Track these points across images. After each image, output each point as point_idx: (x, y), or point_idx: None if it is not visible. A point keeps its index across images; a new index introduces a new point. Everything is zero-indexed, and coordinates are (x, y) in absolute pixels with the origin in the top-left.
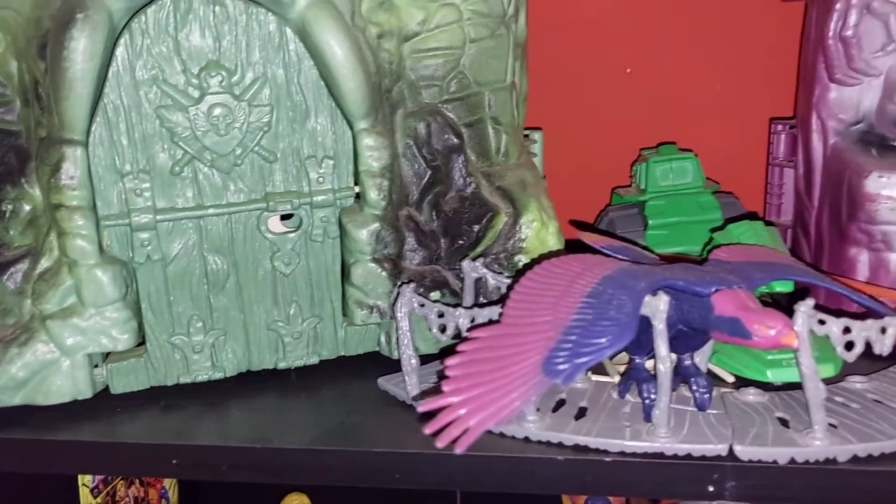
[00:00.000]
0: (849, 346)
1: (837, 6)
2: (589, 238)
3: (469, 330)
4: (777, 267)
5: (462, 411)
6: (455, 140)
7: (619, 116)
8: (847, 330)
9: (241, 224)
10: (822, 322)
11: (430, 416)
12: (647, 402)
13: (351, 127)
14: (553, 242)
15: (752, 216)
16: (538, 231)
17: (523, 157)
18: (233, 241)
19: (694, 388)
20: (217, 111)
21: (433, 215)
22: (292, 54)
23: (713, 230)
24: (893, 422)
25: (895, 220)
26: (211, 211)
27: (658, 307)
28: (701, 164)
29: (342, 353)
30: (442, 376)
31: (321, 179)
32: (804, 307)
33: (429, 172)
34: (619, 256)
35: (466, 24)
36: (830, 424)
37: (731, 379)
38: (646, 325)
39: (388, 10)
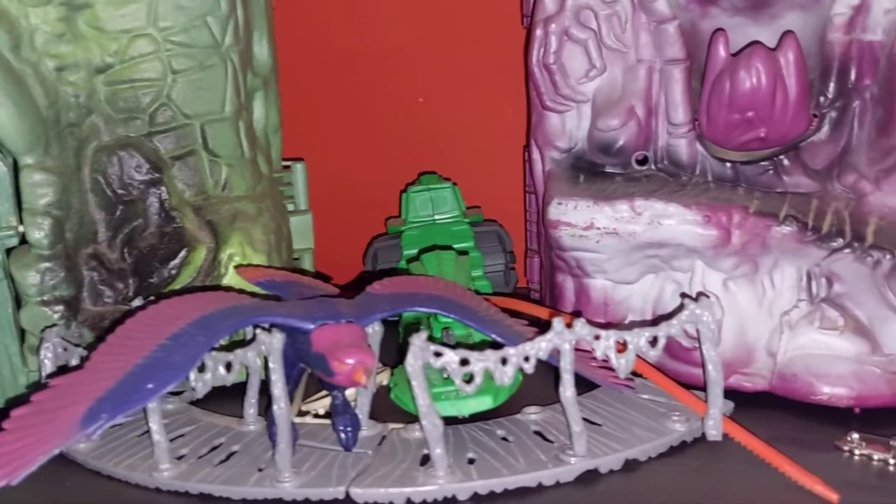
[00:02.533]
0: (468, 378)
1: (537, 33)
2: (246, 274)
3: None
4: (411, 298)
5: None
6: (155, 174)
7: (399, 145)
8: (465, 362)
9: None
10: (438, 354)
11: None
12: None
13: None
14: None
15: (503, 244)
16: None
17: (261, 189)
18: None
19: (340, 426)
20: None
21: (125, 253)
22: None
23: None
24: (533, 457)
25: (579, 247)
26: None
27: (272, 345)
28: (460, 192)
29: None
30: None
31: None
32: (417, 340)
33: (120, 208)
34: (276, 292)
35: (166, 56)
36: (470, 459)
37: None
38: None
39: (71, 42)
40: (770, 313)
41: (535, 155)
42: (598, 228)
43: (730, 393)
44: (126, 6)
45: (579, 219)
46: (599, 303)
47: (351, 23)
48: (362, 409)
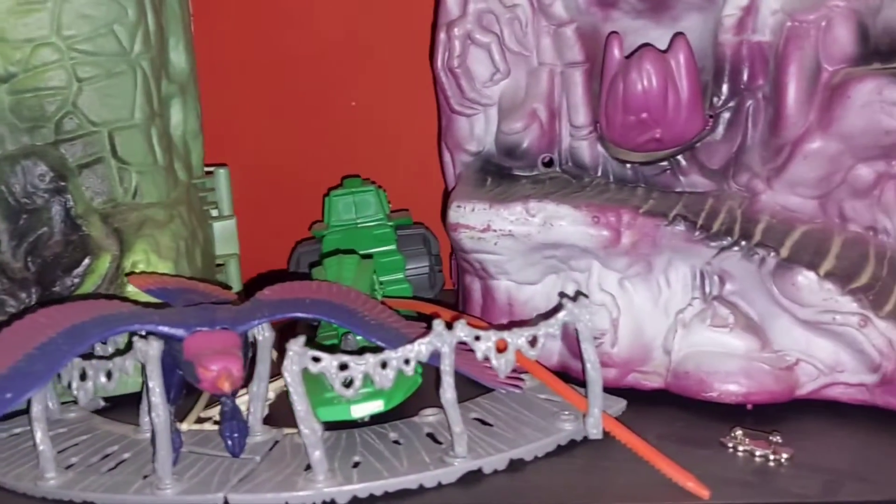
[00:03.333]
0: (348, 383)
1: (441, 37)
2: (136, 281)
3: None
4: (293, 304)
5: None
6: (60, 182)
7: (328, 149)
8: (344, 367)
9: None
10: (316, 360)
11: None
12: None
13: None
14: None
15: (428, 247)
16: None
17: (176, 195)
18: None
19: (227, 433)
20: None
21: (28, 262)
22: None
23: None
24: (418, 459)
25: (479, 249)
26: None
27: (147, 352)
28: (385, 196)
29: None
30: None
31: None
32: (295, 346)
33: (24, 217)
34: (166, 299)
35: (71, 64)
36: (355, 463)
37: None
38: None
39: None
40: (666, 312)
41: (447, 158)
42: (495, 231)
43: (628, 391)
44: (29, 15)
45: (477, 221)
46: (504, 304)
47: (274, 27)
48: (255, 415)
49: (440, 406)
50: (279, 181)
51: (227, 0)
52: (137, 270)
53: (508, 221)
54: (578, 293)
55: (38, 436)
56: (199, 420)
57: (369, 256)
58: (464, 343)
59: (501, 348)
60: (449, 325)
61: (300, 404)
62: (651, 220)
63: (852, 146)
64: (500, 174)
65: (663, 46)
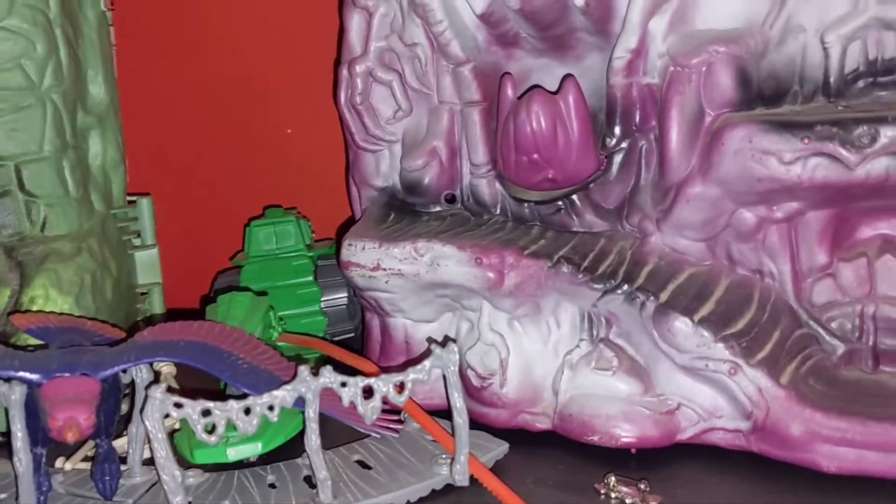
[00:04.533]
0: (210, 429)
1: (343, 74)
2: (19, 321)
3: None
4: (161, 347)
5: None
6: None
7: (256, 178)
8: (207, 413)
9: None
10: (178, 405)
11: None
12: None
13: None
14: None
15: None
16: (42, 308)
17: (88, 226)
18: None
19: (98, 475)
20: None
21: None
22: None
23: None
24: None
25: (371, 287)
26: None
27: (9, 397)
28: (308, 226)
29: None
30: None
31: None
32: (157, 392)
33: None
34: (47, 340)
35: None
36: None
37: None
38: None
39: None
40: (556, 352)
41: (354, 192)
42: (385, 269)
43: (517, 432)
44: None
45: (367, 260)
46: (401, 341)
47: (198, 56)
48: (134, 456)
49: (329, 446)
50: (204, 210)
51: (151, 30)
52: (36, 305)
53: (398, 260)
54: (447, 338)
55: None
56: (87, 458)
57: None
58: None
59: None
60: (316, 371)
61: (159, 451)
62: (535, 261)
63: (730, 191)
64: (404, 210)
65: None
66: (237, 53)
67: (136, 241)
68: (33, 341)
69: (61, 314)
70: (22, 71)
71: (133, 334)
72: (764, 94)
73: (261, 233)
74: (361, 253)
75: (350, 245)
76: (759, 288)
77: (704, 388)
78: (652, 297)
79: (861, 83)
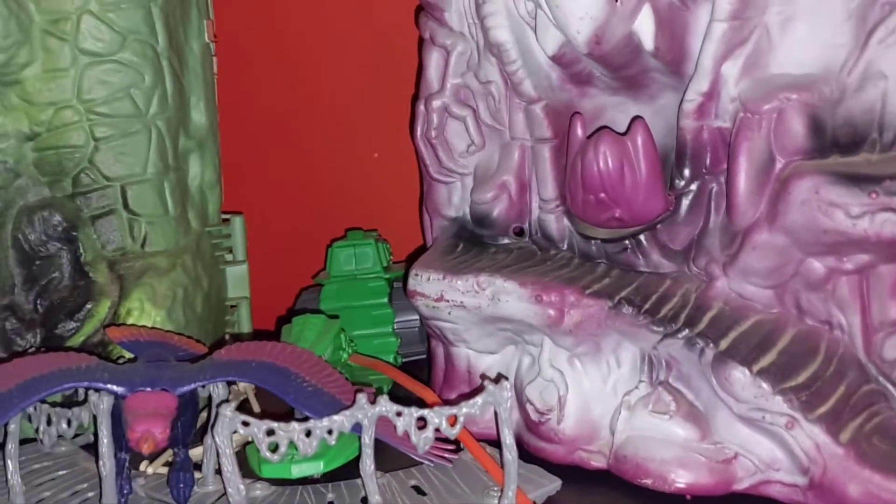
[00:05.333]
0: (274, 448)
1: (420, 109)
2: (113, 333)
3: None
4: (234, 366)
5: None
6: (72, 232)
7: (339, 200)
8: (271, 432)
9: None
10: (245, 423)
11: None
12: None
13: None
14: None
15: None
16: (137, 320)
17: (185, 243)
18: None
19: (174, 481)
20: None
21: (38, 304)
22: None
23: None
24: None
25: (436, 317)
26: None
27: (99, 406)
28: (387, 248)
29: None
30: None
31: None
32: (227, 410)
33: (37, 262)
34: (137, 352)
35: (89, 125)
36: None
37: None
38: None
39: (2, 114)
40: (615, 392)
41: (426, 221)
42: (448, 301)
43: (573, 469)
44: (54, 81)
45: (431, 290)
46: (463, 371)
47: (291, 85)
48: (208, 466)
49: (386, 469)
50: (293, 229)
51: (250, 60)
52: (131, 317)
53: (460, 293)
54: (500, 375)
55: (10, 472)
56: (167, 464)
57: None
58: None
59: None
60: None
61: (227, 466)
62: (596, 301)
63: (797, 241)
64: (472, 241)
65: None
66: (327, 84)
67: (229, 257)
68: (124, 353)
69: (152, 328)
70: (131, 100)
71: (220, 346)
72: (839, 142)
73: (342, 254)
74: (426, 283)
75: (416, 275)
76: (826, 340)
77: (763, 440)
78: (711, 344)
79: None
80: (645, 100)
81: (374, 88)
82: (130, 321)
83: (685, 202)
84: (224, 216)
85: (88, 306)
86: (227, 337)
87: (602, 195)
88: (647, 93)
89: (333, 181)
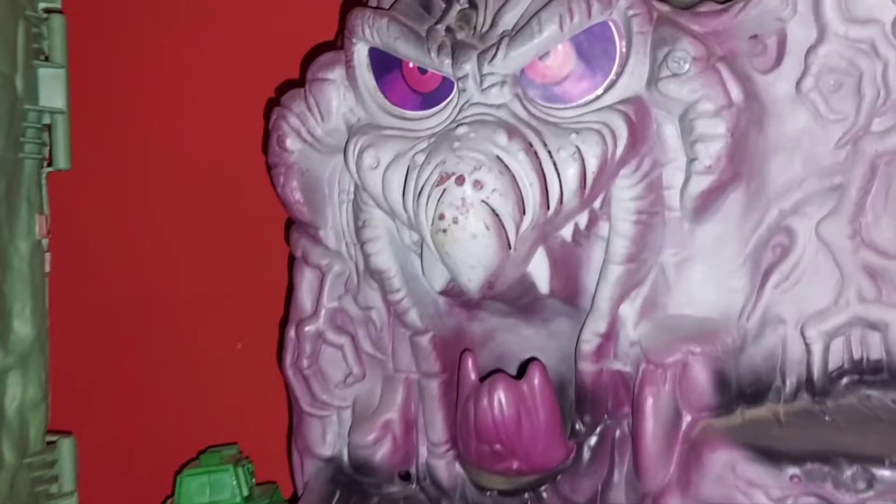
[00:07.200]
0: None
1: (291, 335)
2: None
3: None
4: None
5: None
6: None
7: (192, 413)
8: None
9: None
10: None
11: None
12: None
13: None
14: None
15: None
16: None
17: None
18: None
19: None
20: None
21: None
22: None
23: None
24: None
25: None
26: None
27: None
28: (249, 471)
29: None
30: None
31: None
32: None
33: None
34: None
35: None
36: None
37: None
38: None
39: None
40: None
41: (296, 461)
42: None
43: None
44: None
45: None
46: None
47: (135, 280)
48: None
49: None
50: (134, 450)
51: (92, 250)
52: None
53: None
54: None
55: None
56: None
57: None
58: None
59: None
60: None
61: None
62: None
63: None
64: (351, 488)
65: (534, 346)
66: (176, 288)
67: (54, 489)
68: None
69: None
70: None
71: None
72: (744, 392)
73: (193, 483)
74: None
75: None
76: None
77: None
78: None
79: (846, 380)
80: (538, 323)
81: (230, 316)
82: None
83: (587, 450)
84: (50, 439)
85: None
86: None
87: (497, 446)
88: (539, 317)
89: (187, 384)
